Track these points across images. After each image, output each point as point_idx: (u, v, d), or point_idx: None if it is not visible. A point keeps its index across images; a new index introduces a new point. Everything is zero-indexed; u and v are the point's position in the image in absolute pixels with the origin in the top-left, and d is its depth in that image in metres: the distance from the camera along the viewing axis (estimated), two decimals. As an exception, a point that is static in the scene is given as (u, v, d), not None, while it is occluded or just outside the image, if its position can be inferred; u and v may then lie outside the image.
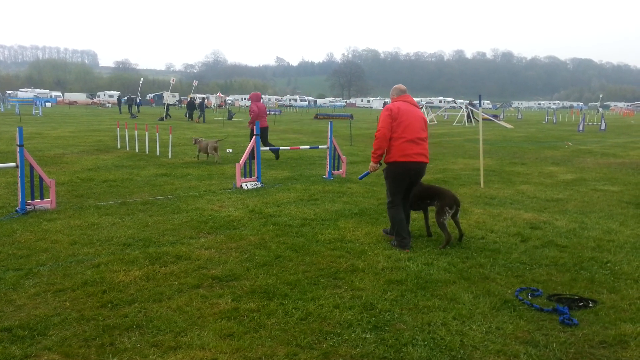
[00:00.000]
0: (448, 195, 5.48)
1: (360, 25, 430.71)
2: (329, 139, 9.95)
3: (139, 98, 51.61)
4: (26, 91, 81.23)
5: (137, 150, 14.03)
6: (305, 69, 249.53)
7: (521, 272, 4.66)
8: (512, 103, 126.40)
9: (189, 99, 37.58)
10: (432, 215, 5.82)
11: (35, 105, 44.89)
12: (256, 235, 5.73)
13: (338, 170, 10.28)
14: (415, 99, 6.31)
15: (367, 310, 3.79)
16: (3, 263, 4.65)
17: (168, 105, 38.05)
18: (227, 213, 6.79)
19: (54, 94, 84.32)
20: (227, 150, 14.64)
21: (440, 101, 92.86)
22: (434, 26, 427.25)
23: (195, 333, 3.37)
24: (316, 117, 40.98)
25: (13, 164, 6.77)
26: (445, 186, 9.07)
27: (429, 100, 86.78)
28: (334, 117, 38.71)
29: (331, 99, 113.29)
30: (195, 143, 12.73)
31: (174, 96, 65.21)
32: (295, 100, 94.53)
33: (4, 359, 3.02)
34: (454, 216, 5.49)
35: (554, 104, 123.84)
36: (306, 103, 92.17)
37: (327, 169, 9.96)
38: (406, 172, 5.35)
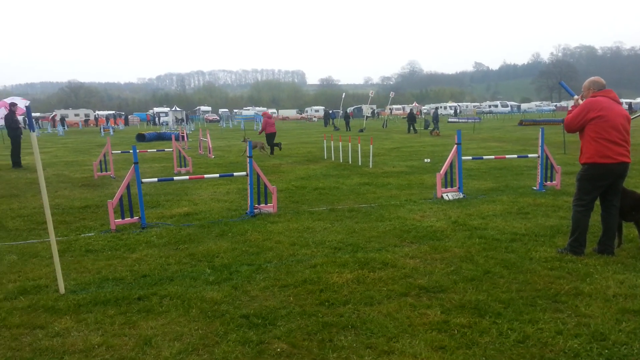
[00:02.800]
0: None
1: (572, 20, 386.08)
2: (539, 147, 9.14)
3: (341, 111, 54.94)
4: (248, 109, 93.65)
5: (341, 161, 14.96)
6: (507, 72, 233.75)
7: None
8: None
9: (409, 111, 38.21)
10: None
11: (256, 121, 51.62)
12: (461, 247, 5.56)
13: (551, 181, 9.35)
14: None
15: (597, 340, 3.34)
16: (239, 258, 5.43)
17: (330, 115, 38.86)
18: (429, 223, 6.75)
19: (270, 111, 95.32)
20: (425, 160, 14.60)
21: (680, 100, 77.28)
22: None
23: (407, 341, 3.41)
24: (521, 123, 38.09)
25: (244, 173, 7.87)
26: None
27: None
28: (542, 123, 35.39)
29: (538, 102, 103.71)
30: (244, 141, 17.73)
31: (372, 108, 67.68)
32: (496, 106, 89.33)
33: (244, 341, 3.50)
34: None
35: None
36: (508, 109, 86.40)
37: (538, 179, 9.15)
38: (607, 174, 4.97)
